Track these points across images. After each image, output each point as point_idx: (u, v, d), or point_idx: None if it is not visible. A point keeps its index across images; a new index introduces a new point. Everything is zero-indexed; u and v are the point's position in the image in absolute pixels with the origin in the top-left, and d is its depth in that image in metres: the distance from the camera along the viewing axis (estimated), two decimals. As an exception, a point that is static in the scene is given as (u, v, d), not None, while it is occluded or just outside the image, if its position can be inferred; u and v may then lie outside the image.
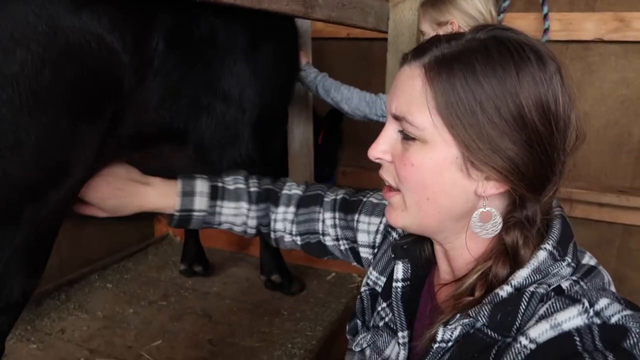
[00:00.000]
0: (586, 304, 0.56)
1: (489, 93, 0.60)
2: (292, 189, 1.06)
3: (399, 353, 0.79)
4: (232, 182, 1.05)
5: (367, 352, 0.86)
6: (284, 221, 1.04)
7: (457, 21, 1.54)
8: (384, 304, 0.85)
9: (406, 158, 0.67)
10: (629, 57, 2.08)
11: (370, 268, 0.92)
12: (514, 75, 0.60)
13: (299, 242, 1.05)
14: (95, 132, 0.84)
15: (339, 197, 1.02)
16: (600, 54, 2.12)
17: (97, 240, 2.24)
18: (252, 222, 1.05)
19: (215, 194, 1.02)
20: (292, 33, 1.58)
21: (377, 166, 0.75)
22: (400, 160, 0.68)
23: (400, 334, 0.78)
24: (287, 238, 1.05)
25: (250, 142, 1.22)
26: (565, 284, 0.62)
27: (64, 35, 0.73)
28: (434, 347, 0.65)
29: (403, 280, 0.81)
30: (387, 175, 0.72)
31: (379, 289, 0.89)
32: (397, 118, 0.68)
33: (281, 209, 1.04)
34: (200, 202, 1.00)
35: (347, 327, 0.94)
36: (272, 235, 1.06)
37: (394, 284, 0.82)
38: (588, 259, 0.67)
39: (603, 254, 2.29)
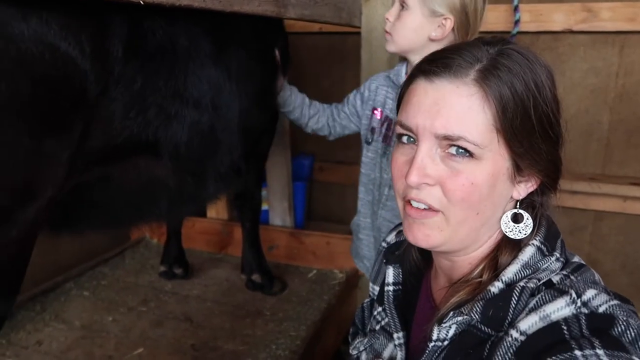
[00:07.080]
0: (574, 294, 0.59)
1: (529, 102, 0.64)
2: None
3: (396, 355, 0.80)
4: None
5: (363, 356, 0.88)
6: None
7: (453, 20, 1.27)
8: (379, 309, 0.88)
9: (463, 177, 0.64)
10: (597, 47, 2.12)
11: (370, 283, 0.98)
12: (539, 81, 0.65)
13: None
14: (64, 148, 0.80)
15: None
16: (570, 44, 2.16)
17: (70, 247, 2.18)
18: None
19: None
20: (267, 29, 1.54)
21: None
22: (455, 180, 0.65)
23: (395, 335, 0.80)
24: None
25: (235, 150, 1.17)
26: (555, 278, 0.64)
27: (14, 45, 0.67)
28: (430, 346, 0.68)
29: (394, 284, 0.84)
30: (429, 197, 0.66)
31: (375, 297, 0.94)
32: (448, 138, 0.64)
33: None
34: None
35: (350, 332, 1.00)
36: None
37: (385, 288, 0.84)
38: (578, 260, 0.69)
39: (576, 241, 2.34)
